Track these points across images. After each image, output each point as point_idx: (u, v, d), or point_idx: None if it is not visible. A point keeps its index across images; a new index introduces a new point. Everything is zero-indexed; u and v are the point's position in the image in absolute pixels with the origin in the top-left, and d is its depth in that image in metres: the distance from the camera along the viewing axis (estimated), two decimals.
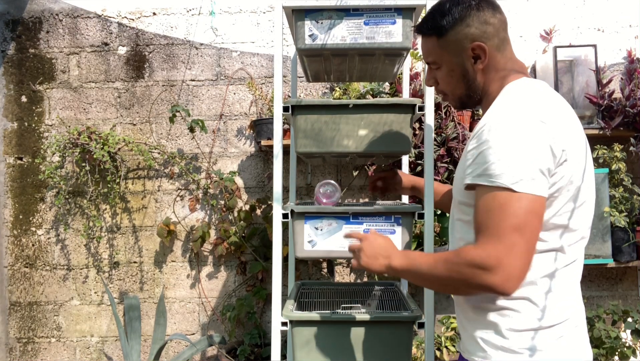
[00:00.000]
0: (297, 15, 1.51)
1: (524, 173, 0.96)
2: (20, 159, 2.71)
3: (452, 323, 2.44)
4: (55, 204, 2.69)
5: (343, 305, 1.52)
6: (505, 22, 1.17)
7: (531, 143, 0.98)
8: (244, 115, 2.69)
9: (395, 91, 2.47)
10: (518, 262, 0.94)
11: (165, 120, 2.69)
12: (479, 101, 1.20)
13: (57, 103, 2.70)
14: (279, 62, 1.57)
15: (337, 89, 2.56)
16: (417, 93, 2.44)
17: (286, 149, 2.30)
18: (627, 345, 2.33)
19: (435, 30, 1.17)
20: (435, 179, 1.58)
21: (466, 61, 1.15)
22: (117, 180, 2.64)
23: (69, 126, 2.66)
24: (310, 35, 1.52)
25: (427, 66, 1.25)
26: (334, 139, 1.53)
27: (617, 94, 2.46)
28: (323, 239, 1.54)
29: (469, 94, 1.19)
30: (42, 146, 2.70)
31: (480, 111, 2.58)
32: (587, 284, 2.59)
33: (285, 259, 2.30)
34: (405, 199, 2.09)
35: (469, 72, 1.16)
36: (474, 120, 2.53)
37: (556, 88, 2.39)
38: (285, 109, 1.54)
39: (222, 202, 2.63)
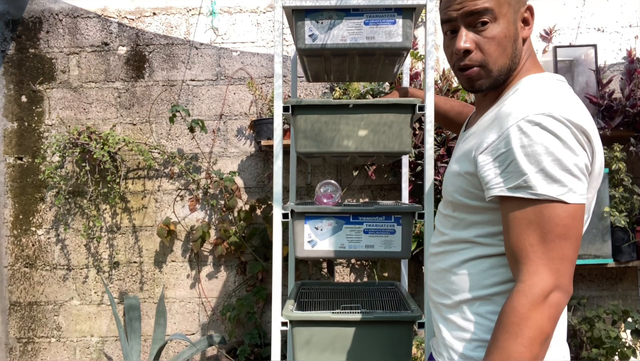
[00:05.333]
0: (297, 15, 1.51)
1: (570, 181, 0.83)
2: (20, 159, 2.71)
3: None
4: (55, 204, 2.69)
5: (343, 305, 1.52)
6: None
7: (574, 146, 0.84)
8: (244, 115, 2.69)
9: None
10: (571, 273, 0.86)
11: (165, 120, 2.69)
12: (506, 79, 0.95)
13: (57, 103, 2.70)
14: (279, 62, 1.57)
15: (337, 89, 2.56)
16: None
17: (286, 149, 2.31)
18: (627, 345, 2.33)
19: None
20: (435, 179, 1.58)
21: (518, 22, 0.91)
22: (117, 180, 2.64)
23: (69, 126, 2.66)
24: (310, 35, 1.52)
25: (462, 26, 0.93)
26: (334, 139, 1.53)
27: (617, 94, 2.46)
28: (323, 239, 1.54)
29: (510, 67, 0.93)
30: (42, 146, 2.70)
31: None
32: (587, 284, 2.59)
33: (285, 259, 2.31)
34: (405, 199, 2.09)
35: (518, 38, 0.92)
36: None
37: None
38: (285, 109, 1.54)
39: (222, 202, 2.63)
